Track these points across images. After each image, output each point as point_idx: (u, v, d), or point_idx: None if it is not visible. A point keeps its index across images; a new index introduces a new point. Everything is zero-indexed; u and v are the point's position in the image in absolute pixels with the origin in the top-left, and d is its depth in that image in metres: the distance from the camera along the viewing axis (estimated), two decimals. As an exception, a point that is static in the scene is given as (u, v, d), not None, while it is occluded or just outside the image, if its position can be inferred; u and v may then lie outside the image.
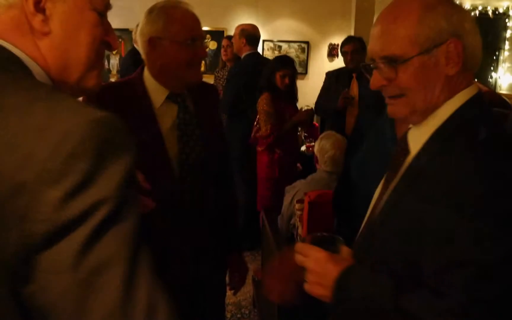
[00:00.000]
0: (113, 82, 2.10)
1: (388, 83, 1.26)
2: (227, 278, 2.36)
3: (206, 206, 2.07)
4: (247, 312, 3.98)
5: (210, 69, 8.71)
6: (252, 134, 4.50)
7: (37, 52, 0.92)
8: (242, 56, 4.87)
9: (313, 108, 4.77)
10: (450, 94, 1.23)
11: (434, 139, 1.23)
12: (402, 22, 1.21)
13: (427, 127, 1.26)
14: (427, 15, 1.19)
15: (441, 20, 1.19)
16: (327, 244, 1.37)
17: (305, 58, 9.09)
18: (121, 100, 1.88)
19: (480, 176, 1.08)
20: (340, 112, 4.79)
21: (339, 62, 7.42)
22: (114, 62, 9.22)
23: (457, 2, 1.25)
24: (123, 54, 8.54)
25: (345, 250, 1.38)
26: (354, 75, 4.80)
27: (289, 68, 4.28)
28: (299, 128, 4.96)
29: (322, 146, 3.54)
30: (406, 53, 1.20)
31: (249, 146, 4.61)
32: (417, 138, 1.29)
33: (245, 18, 8.55)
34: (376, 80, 1.29)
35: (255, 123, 4.46)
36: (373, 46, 1.27)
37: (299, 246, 1.38)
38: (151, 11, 1.88)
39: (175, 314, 0.82)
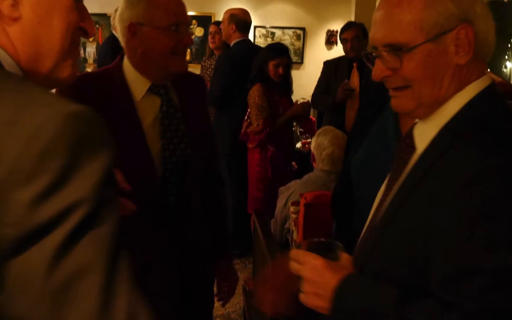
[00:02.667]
0: (89, 72, 2.11)
1: (392, 73, 1.26)
2: (215, 288, 2.35)
3: (192, 208, 2.07)
4: (237, 325, 4.00)
5: (196, 58, 8.76)
6: (243, 130, 4.50)
7: (6, 39, 0.92)
8: (232, 43, 4.87)
9: (310, 100, 4.78)
10: (460, 85, 1.23)
11: (443, 135, 1.22)
12: (407, 6, 1.20)
13: (435, 121, 1.25)
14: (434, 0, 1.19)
15: (449, 4, 1.18)
16: (325, 251, 1.37)
17: (301, 46, 9.13)
18: (98, 92, 1.87)
19: (492, 176, 1.08)
20: (339, 105, 4.80)
21: (338, 50, 7.45)
22: (90, 50, 9.23)
23: None
24: (100, 41, 8.54)
25: (345, 257, 1.39)
26: (354, 64, 4.81)
27: (283, 56, 4.29)
28: (294, 123, 4.97)
29: (320, 143, 3.55)
30: (412, 40, 1.20)
31: (239, 143, 4.62)
32: (424, 134, 1.28)
33: (235, 2, 8.55)
34: (378, 70, 1.28)
35: (245, 117, 4.47)
36: (376, 32, 1.27)
37: (295, 253, 1.38)
38: None
39: None
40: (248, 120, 4.42)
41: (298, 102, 4.56)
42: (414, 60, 1.21)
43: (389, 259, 1.25)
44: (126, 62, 1.96)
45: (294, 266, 1.36)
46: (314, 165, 3.66)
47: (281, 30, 9.29)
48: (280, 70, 4.26)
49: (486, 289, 1.04)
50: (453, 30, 1.18)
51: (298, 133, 5.33)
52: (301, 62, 9.09)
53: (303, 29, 9.08)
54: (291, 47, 8.59)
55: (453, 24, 1.18)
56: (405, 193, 1.26)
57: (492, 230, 1.05)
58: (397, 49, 1.22)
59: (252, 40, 7.14)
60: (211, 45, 5.78)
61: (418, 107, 1.26)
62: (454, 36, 1.19)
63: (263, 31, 9.28)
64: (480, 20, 1.20)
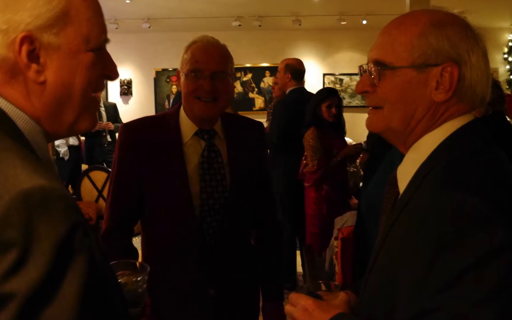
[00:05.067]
0: (149, 117, 2.17)
1: (372, 90, 1.21)
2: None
3: (230, 248, 2.04)
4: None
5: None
6: (300, 170, 4.54)
7: (25, 100, 0.93)
8: (287, 91, 4.92)
9: (362, 142, 4.75)
10: (434, 122, 1.17)
11: (418, 176, 1.16)
12: (404, 29, 1.16)
13: (412, 162, 1.20)
14: (431, 31, 1.14)
15: (444, 41, 1.13)
16: (323, 291, 1.34)
17: (367, 90, 9.10)
18: (153, 135, 1.98)
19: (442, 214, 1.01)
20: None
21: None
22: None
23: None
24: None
25: (340, 296, 1.33)
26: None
27: (334, 96, 4.35)
28: (348, 163, 4.96)
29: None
30: (397, 61, 1.16)
31: (293, 181, 4.67)
32: (404, 176, 1.23)
33: (304, 53, 8.71)
34: (361, 83, 1.25)
35: (303, 158, 4.50)
36: (371, 50, 1.23)
37: (292, 295, 1.32)
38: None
39: None
40: (305, 161, 4.44)
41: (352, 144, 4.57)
42: (393, 82, 1.17)
43: (373, 302, 1.20)
44: (182, 108, 2.02)
45: (287, 308, 1.31)
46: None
47: (349, 76, 9.32)
48: (333, 110, 4.29)
49: None
50: (439, 66, 1.13)
51: (351, 172, 5.28)
52: (365, 106, 9.04)
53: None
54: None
55: (441, 60, 1.13)
56: (386, 231, 1.21)
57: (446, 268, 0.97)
58: (382, 66, 1.18)
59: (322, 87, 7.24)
60: (273, 94, 5.88)
61: (387, 130, 1.23)
62: (439, 71, 1.13)
63: (332, 78, 9.35)
64: (472, 68, 1.13)
